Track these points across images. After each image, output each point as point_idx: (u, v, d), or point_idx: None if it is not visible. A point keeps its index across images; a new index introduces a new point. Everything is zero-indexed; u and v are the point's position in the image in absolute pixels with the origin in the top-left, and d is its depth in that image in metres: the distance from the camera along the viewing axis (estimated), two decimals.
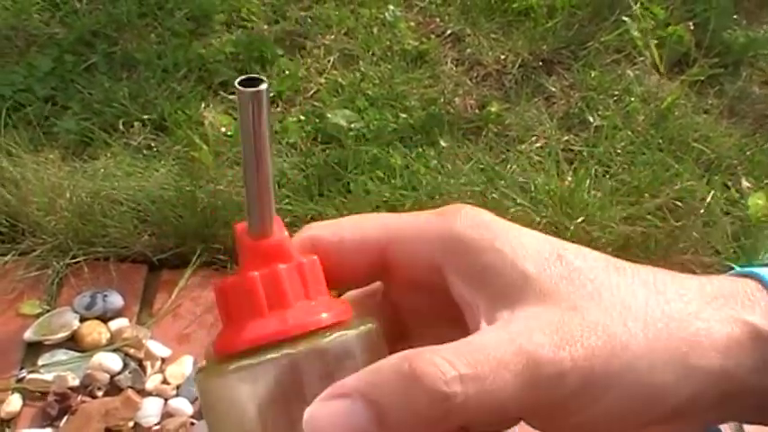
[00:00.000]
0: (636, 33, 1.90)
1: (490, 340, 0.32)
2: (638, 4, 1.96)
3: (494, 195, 1.40)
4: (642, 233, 1.38)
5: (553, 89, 1.79)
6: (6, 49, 1.77)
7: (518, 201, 1.42)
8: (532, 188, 1.47)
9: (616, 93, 1.79)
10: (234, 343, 0.33)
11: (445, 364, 0.30)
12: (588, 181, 1.50)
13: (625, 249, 1.35)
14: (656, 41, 1.93)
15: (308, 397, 0.32)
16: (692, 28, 1.95)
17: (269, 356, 0.32)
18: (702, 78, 1.89)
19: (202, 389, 0.34)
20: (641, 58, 1.89)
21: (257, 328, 0.33)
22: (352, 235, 0.37)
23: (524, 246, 0.34)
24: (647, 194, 1.50)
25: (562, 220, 1.38)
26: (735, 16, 2.12)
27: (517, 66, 1.83)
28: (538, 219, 1.36)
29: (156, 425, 1.11)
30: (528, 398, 0.32)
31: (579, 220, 1.39)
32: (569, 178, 1.49)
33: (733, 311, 0.34)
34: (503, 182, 1.46)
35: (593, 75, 1.82)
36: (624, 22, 1.88)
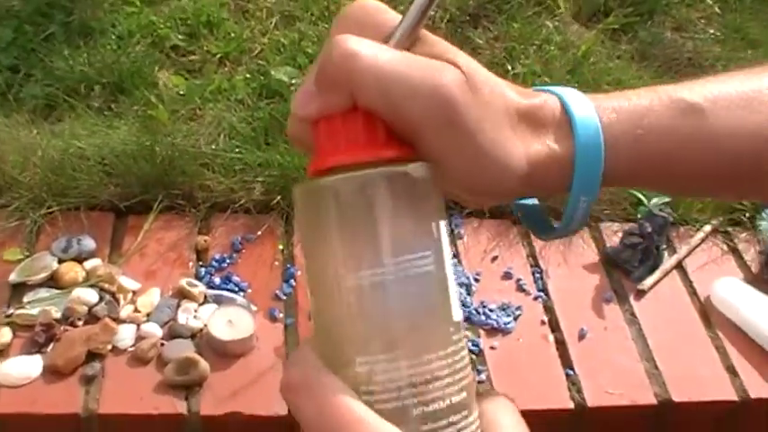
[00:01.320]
0: None
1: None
2: None
3: None
4: None
5: (479, 41, 1.92)
6: None
7: None
8: None
9: (536, 42, 1.91)
10: (324, 164, 0.41)
11: (363, 41, 0.41)
12: None
13: None
14: None
15: (377, 212, 0.40)
16: None
17: (349, 175, 0.40)
18: (617, 27, 2.05)
19: (297, 197, 0.43)
20: (560, 10, 2.02)
21: (340, 157, 0.41)
22: None
23: None
24: None
25: None
26: None
27: (446, 20, 1.95)
28: None
29: (131, 346, 1.22)
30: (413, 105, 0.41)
31: None
32: None
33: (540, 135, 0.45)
34: None
35: (515, 26, 1.94)
36: None
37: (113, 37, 1.83)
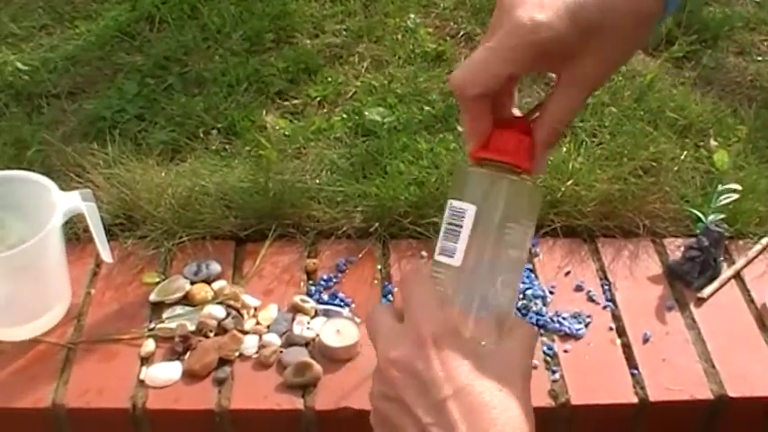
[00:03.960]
0: None
1: None
2: None
3: None
4: (620, 190, 1.62)
5: (552, 75, 2.05)
6: (98, 78, 2.04)
7: None
8: None
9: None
10: (475, 155, 0.66)
11: None
12: (580, 150, 1.72)
13: (606, 204, 1.61)
14: None
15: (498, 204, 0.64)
16: None
17: (483, 170, 0.65)
18: (681, 54, 2.13)
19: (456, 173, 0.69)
20: None
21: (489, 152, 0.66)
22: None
23: None
24: (626, 158, 1.71)
25: (556, 183, 1.62)
26: None
27: None
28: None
29: (254, 353, 1.35)
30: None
31: (569, 182, 1.62)
32: (563, 149, 1.72)
33: None
34: None
35: None
36: None
37: (224, 85, 1.98)
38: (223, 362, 1.35)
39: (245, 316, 1.43)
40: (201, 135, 1.83)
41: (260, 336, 1.39)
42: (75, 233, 1.54)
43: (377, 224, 1.59)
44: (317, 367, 1.33)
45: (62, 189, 1.40)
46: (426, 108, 1.90)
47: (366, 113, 1.86)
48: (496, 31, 0.65)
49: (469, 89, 0.65)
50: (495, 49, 0.65)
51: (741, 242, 1.67)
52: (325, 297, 1.48)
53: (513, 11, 0.64)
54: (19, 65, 2.07)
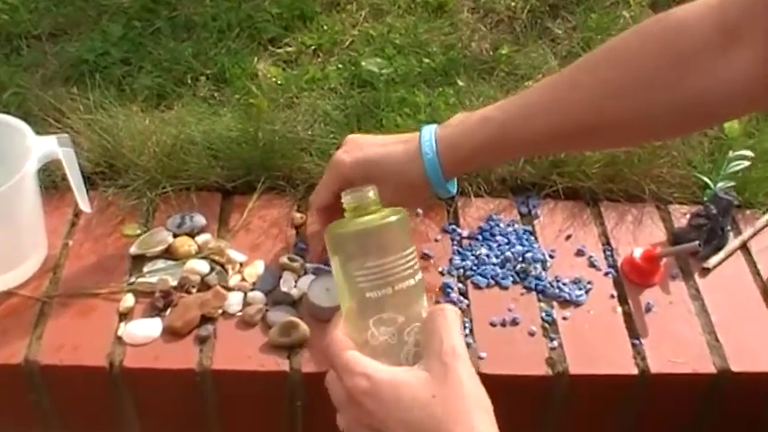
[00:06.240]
0: None
1: None
2: None
3: None
4: (626, 152, 1.55)
5: (558, 31, 1.98)
6: (82, 19, 1.95)
7: None
8: None
9: (613, 33, 1.93)
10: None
11: None
12: None
13: (611, 166, 1.54)
14: None
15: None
16: None
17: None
18: None
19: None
20: (637, 1, 2.07)
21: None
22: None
23: None
24: None
25: None
26: None
27: (526, 11, 2.02)
28: None
29: (239, 311, 1.29)
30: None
31: None
32: None
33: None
34: None
35: (593, 17, 1.99)
36: None
37: (215, 30, 1.91)
38: (205, 319, 1.29)
39: (230, 272, 1.36)
40: (189, 81, 1.76)
41: (245, 293, 1.33)
42: (52, 181, 1.47)
43: None
44: (304, 327, 1.27)
45: (40, 134, 1.32)
46: (426, 60, 1.84)
47: (363, 64, 1.79)
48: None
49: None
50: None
51: (748, 212, 1.60)
52: None
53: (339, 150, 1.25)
54: None
